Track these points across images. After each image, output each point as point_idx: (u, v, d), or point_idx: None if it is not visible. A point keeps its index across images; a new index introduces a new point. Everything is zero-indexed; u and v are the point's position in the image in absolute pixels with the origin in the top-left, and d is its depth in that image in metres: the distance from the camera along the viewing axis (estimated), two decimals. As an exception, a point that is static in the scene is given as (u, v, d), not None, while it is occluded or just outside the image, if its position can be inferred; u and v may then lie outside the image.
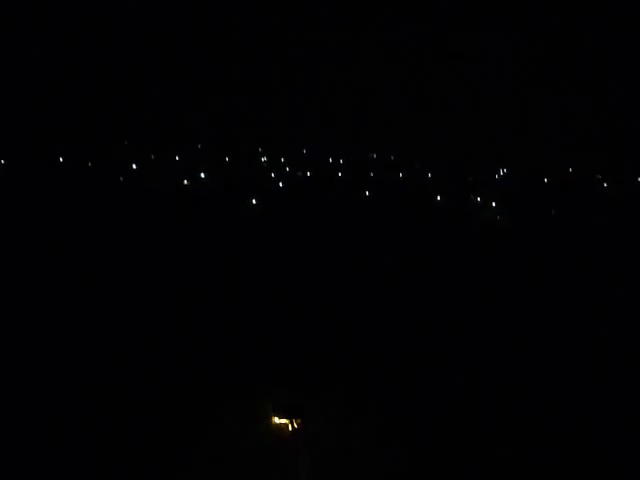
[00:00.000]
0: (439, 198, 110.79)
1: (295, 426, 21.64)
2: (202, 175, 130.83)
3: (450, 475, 34.64)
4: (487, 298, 58.08)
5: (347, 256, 71.14)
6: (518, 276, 64.04)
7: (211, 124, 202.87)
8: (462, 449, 36.50)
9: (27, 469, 23.49)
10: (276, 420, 21.83)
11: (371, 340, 50.44)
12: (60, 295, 50.15)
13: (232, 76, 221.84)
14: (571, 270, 62.64)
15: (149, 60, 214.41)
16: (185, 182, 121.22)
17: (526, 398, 36.62)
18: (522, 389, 39.52)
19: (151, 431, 37.01)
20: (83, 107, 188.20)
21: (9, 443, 24.41)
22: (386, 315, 54.73)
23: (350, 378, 44.44)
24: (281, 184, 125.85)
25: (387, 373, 45.04)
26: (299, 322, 52.39)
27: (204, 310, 54.16)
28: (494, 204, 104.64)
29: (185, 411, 39.97)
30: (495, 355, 45.82)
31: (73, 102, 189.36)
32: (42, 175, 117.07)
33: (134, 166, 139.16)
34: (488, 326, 51.21)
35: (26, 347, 35.33)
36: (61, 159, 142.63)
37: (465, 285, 62.00)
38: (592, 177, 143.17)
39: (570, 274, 61.45)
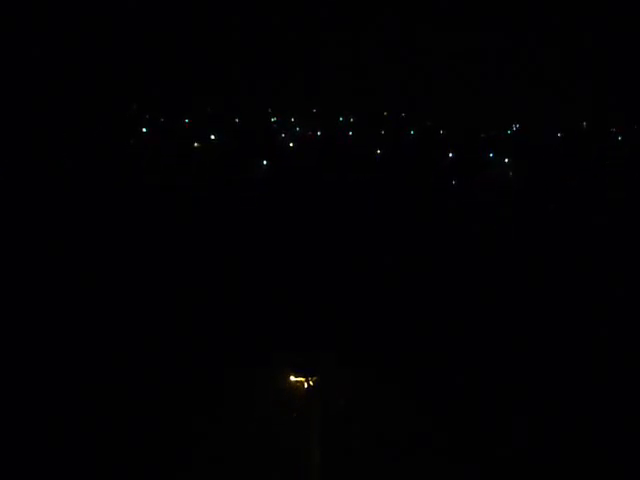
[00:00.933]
0: (451, 155, 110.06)
1: (311, 384, 21.72)
2: (212, 137, 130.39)
3: (461, 433, 34.81)
4: (499, 256, 57.90)
5: (358, 216, 70.94)
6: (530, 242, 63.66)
7: (220, 86, 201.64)
8: (473, 407, 36.65)
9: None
10: (292, 378, 21.90)
11: (385, 301, 50.43)
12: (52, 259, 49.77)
13: (241, 37, 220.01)
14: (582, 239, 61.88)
15: (158, 21, 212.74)
16: (195, 144, 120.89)
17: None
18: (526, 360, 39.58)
19: (174, 391, 37.47)
20: (92, 71, 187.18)
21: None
22: (400, 274, 54.64)
23: (365, 338, 44.58)
24: (292, 144, 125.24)
25: (400, 336, 45.10)
26: (315, 285, 52.45)
27: (221, 274, 54.34)
28: (507, 160, 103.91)
29: (204, 372, 40.31)
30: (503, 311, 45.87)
31: (83, 65, 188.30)
32: (52, 138, 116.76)
33: (144, 129, 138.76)
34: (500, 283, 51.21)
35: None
36: (71, 124, 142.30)
37: (477, 243, 61.77)
38: (607, 130, 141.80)
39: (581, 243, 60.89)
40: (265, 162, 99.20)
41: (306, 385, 21.65)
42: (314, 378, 21.79)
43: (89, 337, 40.85)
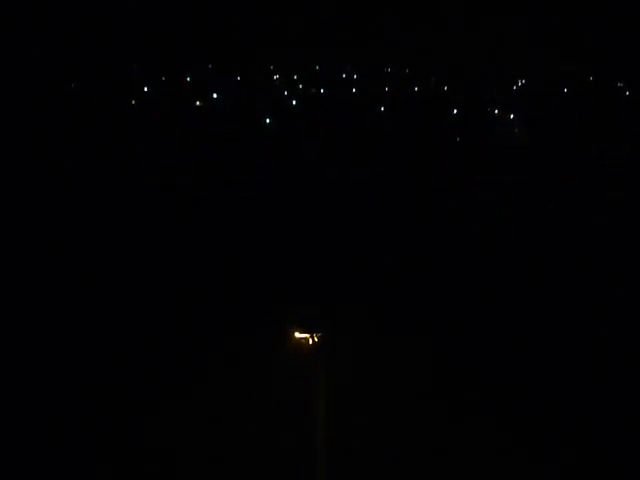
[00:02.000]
0: (455, 111, 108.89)
1: (315, 340, 21.30)
2: (214, 95, 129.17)
3: (464, 386, 34.66)
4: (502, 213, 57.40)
5: (362, 173, 70.31)
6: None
7: (221, 43, 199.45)
8: (476, 360, 36.45)
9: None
10: (297, 334, 21.47)
11: (390, 259, 50.03)
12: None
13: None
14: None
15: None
16: (197, 103, 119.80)
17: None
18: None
19: (176, 346, 37.33)
20: (91, 31, 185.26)
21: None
22: (404, 231, 54.21)
23: (369, 295, 44.28)
24: (294, 102, 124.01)
25: (404, 292, 44.78)
26: (320, 241, 52.08)
27: (227, 230, 54.03)
28: (512, 116, 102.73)
29: (205, 332, 40.15)
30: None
31: (83, 26, 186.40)
32: (56, 96, 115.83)
33: (145, 89, 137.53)
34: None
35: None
36: (72, 85, 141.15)
37: (481, 192, 61.17)
38: (612, 85, 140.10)
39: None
40: (268, 120, 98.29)
41: (310, 341, 21.27)
42: (319, 334, 21.41)
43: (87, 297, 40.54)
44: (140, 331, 40.03)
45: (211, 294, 44.64)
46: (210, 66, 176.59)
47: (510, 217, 56.00)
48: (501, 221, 55.40)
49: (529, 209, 57.79)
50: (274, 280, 45.59)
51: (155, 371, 36.21)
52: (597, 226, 51.94)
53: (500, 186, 65.05)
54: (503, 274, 45.71)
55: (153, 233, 53.34)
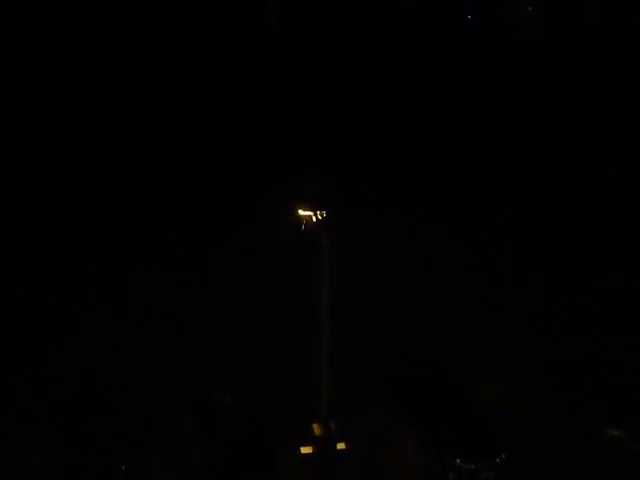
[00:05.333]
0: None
1: (319, 218, 21.20)
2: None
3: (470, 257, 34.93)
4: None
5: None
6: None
7: None
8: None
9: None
10: (301, 212, 21.37)
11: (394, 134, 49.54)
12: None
13: None
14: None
15: None
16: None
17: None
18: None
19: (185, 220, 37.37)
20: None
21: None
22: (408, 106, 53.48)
23: (374, 175, 44.09)
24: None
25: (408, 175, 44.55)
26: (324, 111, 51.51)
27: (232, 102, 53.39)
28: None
29: (211, 204, 40.21)
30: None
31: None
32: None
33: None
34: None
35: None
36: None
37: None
38: None
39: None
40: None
41: (314, 219, 21.16)
42: (323, 212, 21.27)
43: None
44: (143, 208, 40.07)
45: (213, 170, 44.45)
46: None
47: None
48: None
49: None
50: (280, 158, 45.30)
51: (159, 244, 36.53)
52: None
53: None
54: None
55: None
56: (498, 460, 22.13)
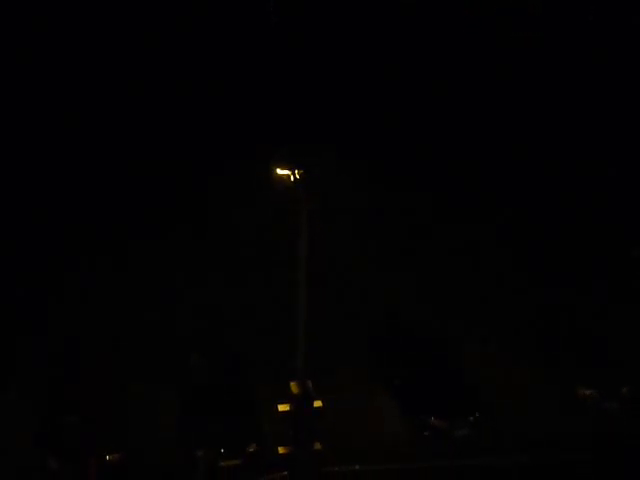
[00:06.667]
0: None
1: (297, 177, 21.15)
2: None
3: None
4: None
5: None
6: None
7: None
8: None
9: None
10: (278, 171, 21.30)
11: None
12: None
13: None
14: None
15: None
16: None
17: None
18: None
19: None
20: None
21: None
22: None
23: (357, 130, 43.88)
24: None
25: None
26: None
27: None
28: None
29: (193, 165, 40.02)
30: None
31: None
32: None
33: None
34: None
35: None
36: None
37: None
38: None
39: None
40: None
41: (292, 178, 21.10)
42: (300, 171, 21.22)
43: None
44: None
45: (196, 132, 44.15)
46: None
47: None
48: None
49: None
50: (258, 119, 45.02)
51: (142, 208, 36.40)
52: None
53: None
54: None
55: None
56: (471, 418, 22.39)
